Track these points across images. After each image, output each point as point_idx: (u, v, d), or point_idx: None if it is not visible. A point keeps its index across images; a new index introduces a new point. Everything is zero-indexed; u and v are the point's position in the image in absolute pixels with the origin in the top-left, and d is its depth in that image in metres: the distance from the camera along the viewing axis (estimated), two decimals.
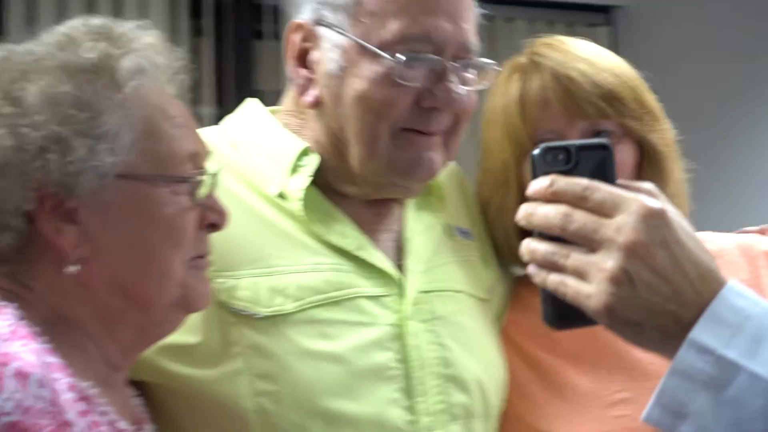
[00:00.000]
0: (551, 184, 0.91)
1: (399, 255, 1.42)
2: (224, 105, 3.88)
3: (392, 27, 1.30)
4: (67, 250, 1.05)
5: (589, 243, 0.89)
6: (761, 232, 1.61)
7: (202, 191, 1.13)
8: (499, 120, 1.54)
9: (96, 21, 1.12)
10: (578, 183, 0.90)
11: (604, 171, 0.92)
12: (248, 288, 1.27)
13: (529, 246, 0.94)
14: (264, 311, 1.26)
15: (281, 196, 1.36)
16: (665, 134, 1.55)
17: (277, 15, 4.06)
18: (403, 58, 1.29)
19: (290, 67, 1.40)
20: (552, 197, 0.91)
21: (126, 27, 1.12)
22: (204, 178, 1.13)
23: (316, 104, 1.37)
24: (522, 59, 1.56)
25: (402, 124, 1.33)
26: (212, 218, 1.14)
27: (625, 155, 1.51)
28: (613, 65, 1.52)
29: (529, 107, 1.50)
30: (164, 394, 1.26)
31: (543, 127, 1.49)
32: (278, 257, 1.31)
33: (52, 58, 1.06)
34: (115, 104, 1.06)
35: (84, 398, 1.00)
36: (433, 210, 1.50)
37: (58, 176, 1.03)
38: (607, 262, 0.87)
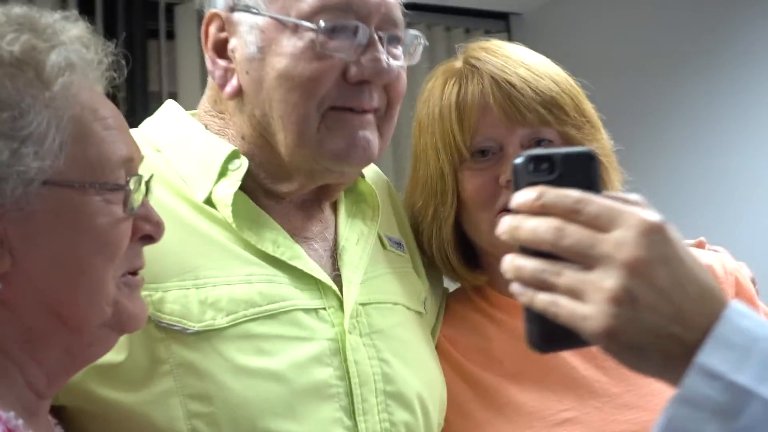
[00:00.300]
0: (539, 196, 0.85)
1: (334, 265, 1.35)
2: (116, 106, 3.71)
3: None
4: None
5: (584, 259, 0.83)
6: (698, 245, 1.59)
7: (136, 200, 1.03)
8: (434, 126, 1.49)
9: (17, 10, 1.01)
10: (569, 195, 0.84)
11: (589, 181, 0.86)
12: (176, 301, 1.19)
13: (514, 262, 0.86)
14: (194, 326, 1.18)
15: (208, 202, 1.28)
16: (604, 144, 1.52)
17: (171, 13, 3.93)
18: (323, 24, 1.23)
19: (209, 61, 1.33)
20: (540, 210, 0.85)
21: (51, 18, 1.02)
22: (137, 185, 1.03)
23: (237, 94, 1.30)
24: (457, 64, 1.52)
25: (331, 102, 1.26)
26: (147, 229, 1.05)
27: None
28: (553, 72, 1.49)
29: (467, 113, 1.45)
30: (87, 421, 1.16)
31: (482, 134, 1.45)
32: (208, 268, 1.22)
33: None
34: (41, 103, 0.96)
35: (9, 431, 0.90)
36: (365, 218, 1.43)
37: None
38: (606, 280, 0.80)
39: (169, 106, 1.43)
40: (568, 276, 0.83)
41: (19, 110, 0.94)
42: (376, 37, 1.26)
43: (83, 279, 0.98)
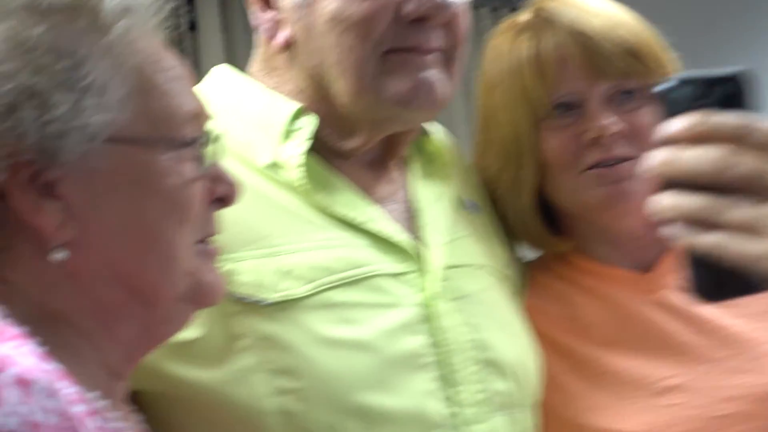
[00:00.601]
0: (699, 123, 0.74)
1: (412, 227, 1.25)
2: None
3: None
4: (48, 232, 0.84)
5: (759, 190, 0.72)
6: None
7: (208, 158, 0.93)
8: (506, 84, 1.38)
9: None
10: (734, 119, 0.73)
11: (745, 105, 0.75)
12: (250, 271, 1.09)
13: (669, 201, 0.75)
14: (271, 297, 1.09)
15: (274, 166, 1.18)
16: None
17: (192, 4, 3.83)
18: None
19: (255, 15, 1.24)
20: (700, 138, 0.74)
21: None
22: (209, 142, 0.94)
23: (288, 45, 1.21)
24: (525, 17, 1.41)
25: (388, 44, 1.16)
26: (220, 191, 0.95)
27: (650, 119, 1.35)
28: (631, 20, 1.39)
29: (546, 67, 1.35)
30: (165, 405, 1.07)
31: (562, 89, 1.35)
32: (280, 235, 1.13)
33: None
34: (99, 51, 0.86)
35: (95, 412, 0.80)
36: (439, 178, 1.33)
37: (35, 139, 0.82)
38: None
39: (220, 70, 1.33)
40: (739, 211, 0.72)
41: (76, 59, 0.84)
42: None
43: (153, 246, 0.89)
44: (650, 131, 1.31)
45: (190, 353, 1.05)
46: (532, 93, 1.35)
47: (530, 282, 1.46)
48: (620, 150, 1.33)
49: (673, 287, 1.37)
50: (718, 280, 0.75)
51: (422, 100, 1.18)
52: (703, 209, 0.73)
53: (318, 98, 1.21)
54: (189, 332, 1.03)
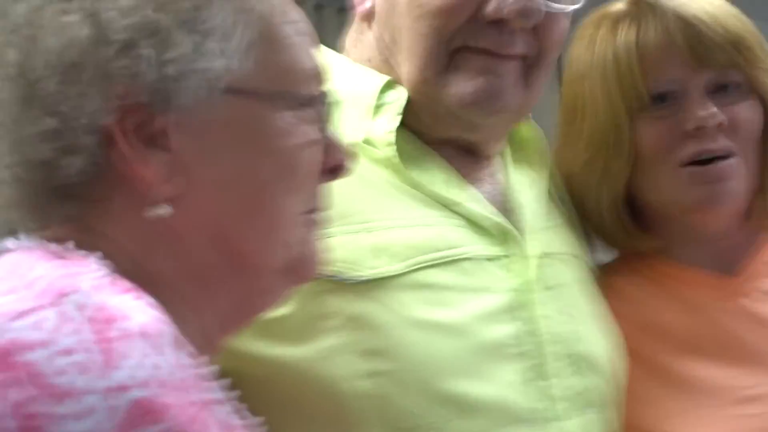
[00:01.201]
0: None
1: (507, 211, 1.19)
2: None
3: None
4: (153, 184, 0.78)
5: None
6: None
7: (326, 124, 0.87)
8: (605, 72, 1.33)
9: None
10: None
11: None
12: (344, 247, 1.03)
13: None
14: (366, 274, 1.03)
15: (367, 142, 1.13)
16: None
17: None
18: None
19: None
20: None
21: None
22: (333, 102, 0.88)
23: (370, 15, 1.18)
24: (623, 5, 1.36)
25: (463, 41, 1.11)
26: (337, 159, 0.88)
27: (753, 114, 1.32)
28: (734, 11, 1.34)
29: (650, 54, 1.29)
30: (249, 384, 0.99)
31: (665, 77, 1.30)
32: (375, 211, 1.08)
33: None
34: None
35: (206, 375, 0.75)
36: (532, 164, 1.28)
37: (151, 80, 0.76)
38: None
39: None
40: None
41: (201, 0, 0.78)
42: None
43: (261, 210, 0.82)
44: (749, 126, 1.29)
45: (274, 331, 1.00)
46: (631, 81, 1.30)
47: (604, 285, 1.38)
48: (720, 143, 1.28)
49: (758, 293, 1.33)
50: None
51: (483, 106, 1.13)
52: None
53: (387, 69, 1.17)
54: (279, 308, 0.97)
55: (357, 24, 1.23)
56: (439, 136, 1.18)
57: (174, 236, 0.80)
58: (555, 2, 1.13)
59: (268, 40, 0.82)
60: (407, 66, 1.13)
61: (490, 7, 1.10)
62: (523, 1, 1.09)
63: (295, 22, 0.85)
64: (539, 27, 1.13)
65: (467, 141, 1.20)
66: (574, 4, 1.19)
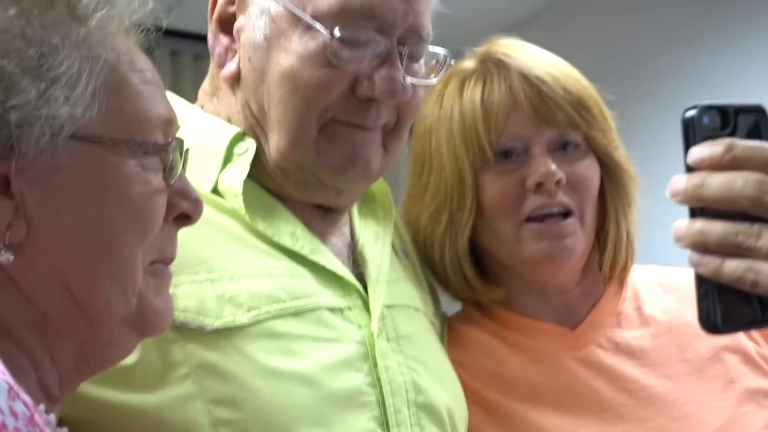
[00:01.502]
0: (729, 149, 0.74)
1: (353, 263, 1.23)
2: None
3: None
4: None
5: None
6: None
7: (176, 169, 0.87)
8: (451, 127, 1.38)
9: None
10: (766, 147, 0.74)
11: (760, 138, 0.77)
12: (190, 296, 1.04)
13: (695, 227, 0.75)
14: (213, 323, 1.03)
15: (215, 192, 1.15)
16: (623, 153, 1.43)
17: None
18: (339, 33, 1.10)
19: (210, 34, 1.21)
20: (730, 164, 0.74)
21: None
22: (178, 151, 0.88)
23: (234, 78, 1.18)
24: (472, 64, 1.42)
25: (333, 113, 1.14)
26: (184, 207, 0.88)
27: (591, 172, 1.39)
28: (576, 73, 1.41)
29: (494, 111, 1.35)
30: None
31: (508, 134, 1.35)
32: (222, 260, 1.08)
33: None
34: (72, 42, 0.80)
35: (45, 424, 0.73)
36: (377, 218, 1.32)
37: None
38: None
39: None
40: None
41: (49, 47, 0.79)
42: (396, 52, 1.14)
43: (109, 258, 0.82)
44: (587, 184, 1.36)
45: (124, 379, 0.98)
46: (476, 137, 1.35)
47: (451, 335, 1.44)
48: (559, 199, 1.33)
49: (597, 345, 1.38)
50: (733, 310, 0.75)
51: (355, 174, 1.17)
52: (729, 235, 0.73)
53: (251, 135, 1.18)
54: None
55: (216, 80, 1.23)
56: (301, 200, 1.20)
57: (17, 284, 0.79)
58: (415, 77, 1.18)
59: (113, 88, 0.82)
60: (277, 136, 1.14)
61: (363, 87, 1.13)
62: (393, 82, 1.13)
63: (143, 71, 0.86)
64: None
65: (330, 205, 1.22)
66: (431, 82, 1.25)
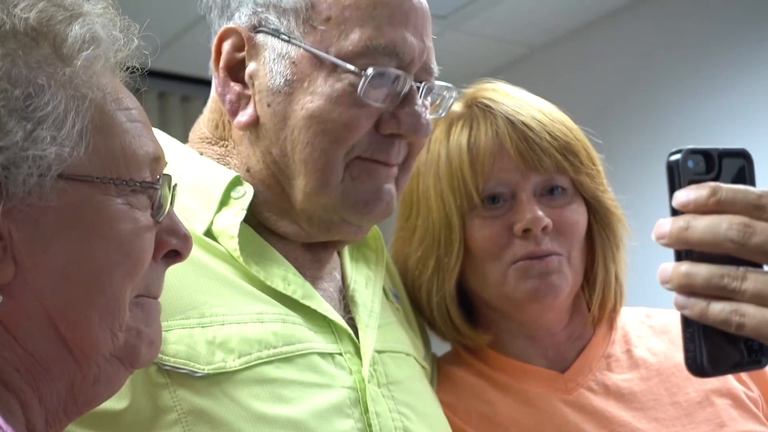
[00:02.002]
0: (713, 192, 0.74)
1: (344, 308, 1.21)
2: None
3: (355, 36, 1.11)
4: None
5: None
6: None
7: (164, 206, 0.87)
8: (438, 171, 1.38)
9: None
10: (750, 190, 0.74)
11: (744, 182, 0.78)
12: (180, 341, 1.02)
13: (680, 269, 0.75)
14: (203, 369, 1.02)
15: (208, 234, 1.13)
16: (611, 195, 1.43)
17: None
18: (372, 71, 1.10)
19: (218, 82, 1.18)
20: (715, 208, 0.74)
21: None
22: (166, 187, 0.88)
23: (252, 125, 1.16)
24: (457, 107, 1.42)
25: (359, 152, 1.14)
26: (173, 244, 0.88)
27: (578, 216, 1.38)
28: (564, 118, 1.41)
29: (480, 156, 1.35)
30: None
31: (495, 179, 1.35)
32: (213, 305, 1.07)
33: None
34: (58, 82, 0.80)
35: None
36: (368, 263, 1.31)
37: None
38: None
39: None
40: (755, 279, 0.72)
41: (32, 88, 0.78)
42: (416, 88, 1.15)
43: (98, 297, 0.81)
44: (575, 228, 1.35)
45: (114, 424, 0.97)
46: (462, 182, 1.34)
47: (441, 377, 1.43)
48: (545, 246, 1.33)
49: (587, 387, 1.37)
50: (719, 353, 0.76)
51: (380, 210, 1.17)
52: (714, 277, 0.74)
53: (268, 183, 1.17)
54: (114, 402, 0.95)
55: (224, 129, 1.21)
56: (290, 233, 1.19)
57: (4, 325, 0.78)
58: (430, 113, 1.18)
59: (100, 127, 0.81)
60: (303, 179, 1.13)
61: (388, 124, 1.13)
62: (418, 119, 1.13)
63: (129, 109, 0.85)
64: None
65: (348, 241, 1.22)
66: (439, 116, 1.26)
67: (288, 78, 1.12)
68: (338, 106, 1.10)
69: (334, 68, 1.10)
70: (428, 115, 1.16)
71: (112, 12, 0.88)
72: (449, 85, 1.23)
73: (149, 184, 0.85)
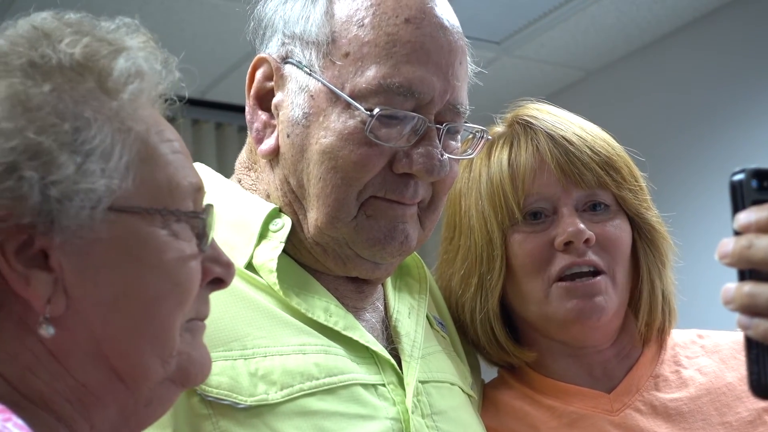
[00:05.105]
0: None
1: (388, 338, 1.21)
2: None
3: (369, 74, 1.10)
4: (36, 305, 0.77)
5: None
6: None
7: (207, 236, 0.87)
8: (480, 190, 1.38)
9: (71, 15, 0.87)
10: None
11: None
12: (223, 373, 1.02)
13: (743, 290, 0.74)
14: (246, 400, 1.02)
15: (250, 267, 1.13)
16: (655, 212, 1.42)
17: None
18: (378, 112, 1.09)
19: (248, 109, 1.20)
20: None
21: (110, 23, 0.88)
22: (210, 217, 0.88)
23: (273, 154, 1.17)
24: (499, 128, 1.43)
25: (373, 191, 1.13)
26: (217, 272, 0.88)
27: (621, 232, 1.37)
28: (605, 135, 1.41)
29: (521, 172, 1.35)
30: None
31: (536, 195, 1.35)
32: (255, 337, 1.07)
33: (20, 55, 0.80)
34: (104, 115, 0.81)
35: None
36: (412, 292, 1.30)
37: (36, 201, 0.75)
38: None
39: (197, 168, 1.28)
40: None
41: (80, 122, 0.79)
42: (434, 128, 1.13)
43: (148, 326, 0.81)
44: (618, 244, 1.34)
45: None
46: (503, 199, 1.34)
47: (486, 402, 1.42)
48: (588, 258, 1.32)
49: (633, 408, 1.35)
50: None
51: (393, 248, 1.15)
52: None
53: (287, 211, 1.17)
54: (155, 430, 0.94)
55: (254, 154, 1.22)
56: (338, 274, 1.18)
57: (57, 356, 0.79)
58: (451, 153, 1.17)
59: (145, 159, 0.82)
60: (316, 212, 1.13)
61: (401, 164, 1.12)
62: (431, 159, 1.12)
63: (171, 141, 0.86)
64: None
65: (367, 278, 1.21)
66: (466, 156, 1.25)
67: (306, 111, 1.13)
68: (349, 144, 1.10)
69: (347, 105, 1.10)
70: (444, 156, 1.14)
71: (152, 45, 0.89)
72: (482, 128, 1.22)
73: (194, 214, 0.85)
